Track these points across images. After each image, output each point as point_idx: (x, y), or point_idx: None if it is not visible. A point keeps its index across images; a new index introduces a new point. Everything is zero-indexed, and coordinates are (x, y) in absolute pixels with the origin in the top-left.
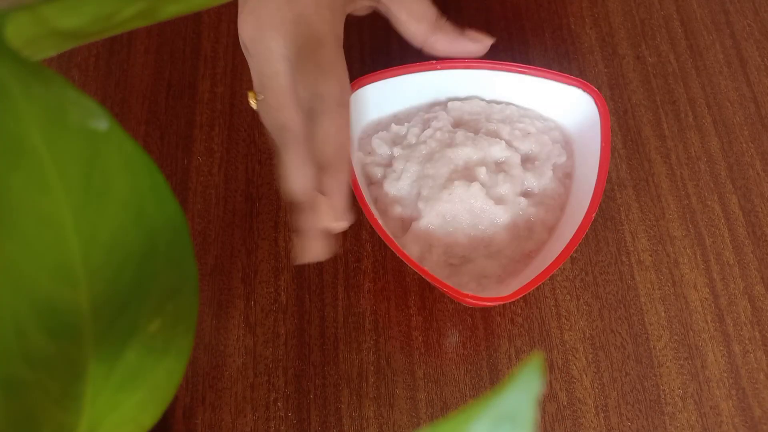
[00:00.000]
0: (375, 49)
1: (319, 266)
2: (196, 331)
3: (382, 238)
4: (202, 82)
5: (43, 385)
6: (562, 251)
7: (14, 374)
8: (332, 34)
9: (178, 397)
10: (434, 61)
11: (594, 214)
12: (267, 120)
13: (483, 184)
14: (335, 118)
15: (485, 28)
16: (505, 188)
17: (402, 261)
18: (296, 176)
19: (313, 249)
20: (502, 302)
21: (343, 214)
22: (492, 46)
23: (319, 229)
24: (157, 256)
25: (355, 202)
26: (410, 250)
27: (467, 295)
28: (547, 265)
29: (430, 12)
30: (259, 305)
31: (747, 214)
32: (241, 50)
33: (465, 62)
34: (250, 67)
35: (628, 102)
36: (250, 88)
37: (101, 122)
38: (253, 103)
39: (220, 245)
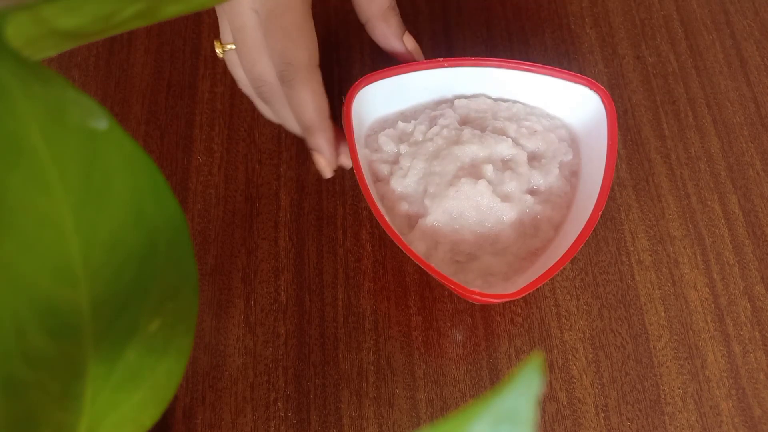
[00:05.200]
0: (375, 48)
1: (319, 266)
2: (196, 331)
3: (389, 234)
4: (202, 82)
5: (43, 385)
6: (569, 249)
7: (14, 374)
8: None
9: (178, 397)
10: (441, 59)
11: (600, 212)
12: (237, 72)
13: (489, 182)
14: (308, 82)
15: (485, 27)
16: (511, 186)
17: (402, 260)
18: (292, 125)
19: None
20: (508, 299)
21: (336, 162)
22: (492, 46)
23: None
24: (157, 256)
25: (362, 198)
26: (416, 247)
27: (474, 292)
28: (553, 263)
29: None
30: (259, 305)
31: (747, 214)
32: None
33: (472, 60)
34: (220, 22)
35: (628, 102)
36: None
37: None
38: (219, 52)
39: (220, 245)
